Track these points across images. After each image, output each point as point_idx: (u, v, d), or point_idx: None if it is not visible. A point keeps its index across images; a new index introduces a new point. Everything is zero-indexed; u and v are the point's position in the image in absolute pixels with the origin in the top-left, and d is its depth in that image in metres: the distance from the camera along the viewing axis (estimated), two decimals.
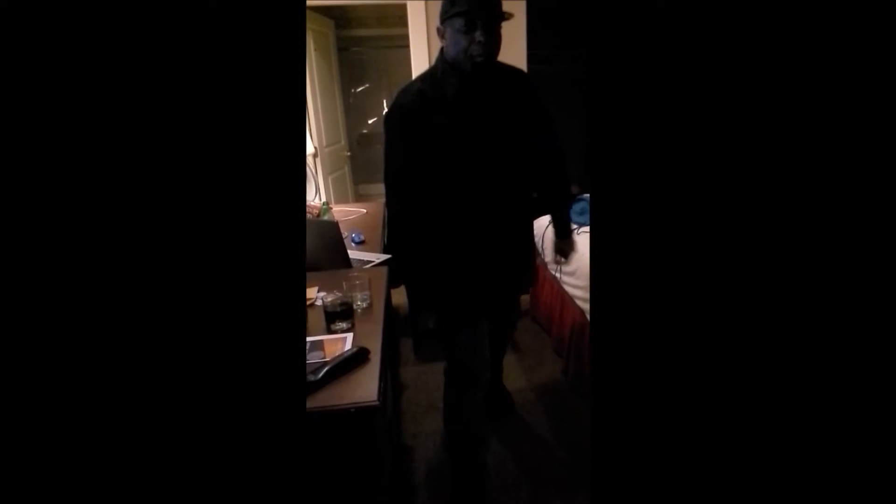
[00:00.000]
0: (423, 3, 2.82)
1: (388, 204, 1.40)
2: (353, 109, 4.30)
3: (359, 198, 3.93)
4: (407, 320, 2.53)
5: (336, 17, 3.50)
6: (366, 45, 4.24)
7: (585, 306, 2.02)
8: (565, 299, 2.22)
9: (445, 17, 1.22)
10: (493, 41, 1.21)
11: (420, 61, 2.91)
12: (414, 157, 1.27)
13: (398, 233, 1.42)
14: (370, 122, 4.54)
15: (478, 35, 1.17)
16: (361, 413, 0.93)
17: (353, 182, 3.93)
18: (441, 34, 1.27)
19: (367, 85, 4.37)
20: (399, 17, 3.39)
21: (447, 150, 1.25)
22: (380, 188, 4.77)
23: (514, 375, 2.23)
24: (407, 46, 2.97)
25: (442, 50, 1.29)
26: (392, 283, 1.52)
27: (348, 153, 3.72)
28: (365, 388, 0.98)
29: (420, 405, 2.06)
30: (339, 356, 1.03)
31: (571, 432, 1.87)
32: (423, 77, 1.31)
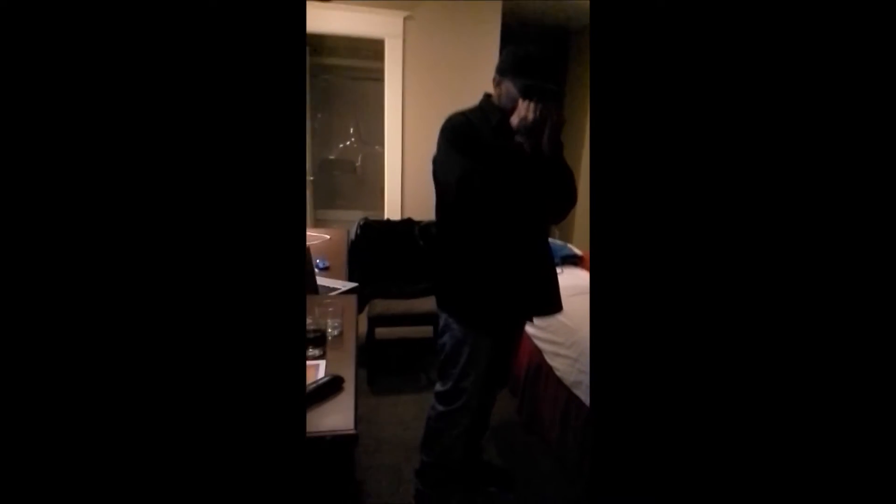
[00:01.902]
0: (400, 40, 2.91)
1: (451, 216, 1.38)
2: (317, 135, 4.30)
3: (317, 223, 3.89)
4: (363, 350, 2.50)
5: (311, 44, 3.54)
6: (336, 73, 4.29)
7: (542, 346, 2.08)
8: (523, 339, 2.27)
9: (509, 74, 1.28)
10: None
11: (394, 95, 2.98)
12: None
13: (458, 247, 1.38)
14: (342, 145, 4.56)
15: (533, 108, 1.19)
16: (338, 441, 0.92)
17: (314, 206, 3.90)
18: (497, 83, 1.32)
19: (327, 114, 4.41)
20: (373, 50, 3.47)
21: (494, 167, 1.26)
22: (337, 214, 4.68)
23: None
24: (377, 79, 3.03)
25: (489, 94, 1.37)
26: (444, 304, 1.45)
27: (311, 178, 3.70)
28: (340, 415, 0.97)
29: (373, 438, 2.02)
30: (313, 383, 1.02)
31: (526, 470, 1.89)
32: (467, 111, 1.37)
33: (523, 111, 1.18)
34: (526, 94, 1.19)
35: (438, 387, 1.49)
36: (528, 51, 1.28)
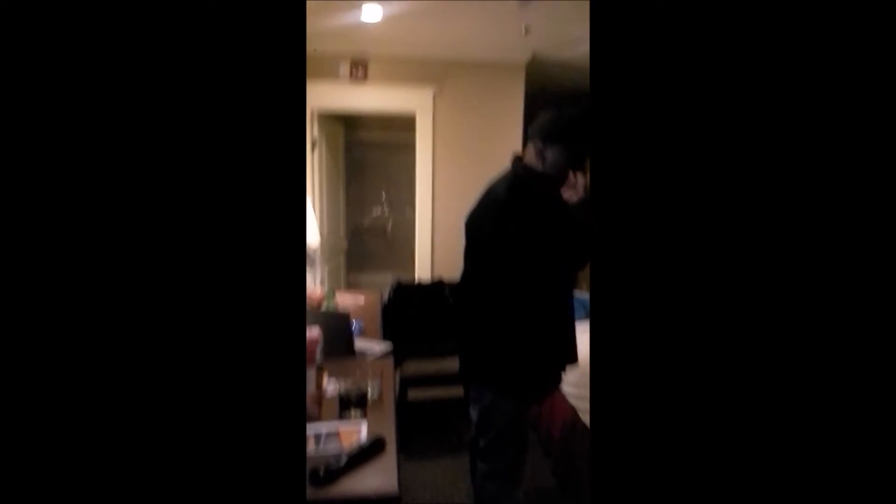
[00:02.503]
0: (430, 113, 3.11)
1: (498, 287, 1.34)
2: (350, 203, 4.51)
3: (349, 285, 4.00)
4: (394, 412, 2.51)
5: (345, 119, 3.79)
6: (368, 147, 4.56)
7: (578, 403, 2.07)
8: (556, 396, 2.25)
9: (555, 141, 1.29)
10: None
11: (424, 163, 3.15)
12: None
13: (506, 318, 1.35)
14: (374, 212, 4.78)
15: (580, 178, 1.26)
16: (382, 502, 0.96)
17: (347, 270, 4.03)
18: (539, 151, 1.31)
19: (361, 184, 4.65)
20: (403, 122, 3.70)
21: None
22: (369, 276, 4.78)
23: None
24: (406, 147, 3.20)
25: (519, 157, 1.38)
26: (473, 375, 1.43)
27: (345, 245, 3.86)
28: (384, 477, 1.01)
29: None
30: (357, 445, 1.07)
31: None
32: (508, 180, 1.36)
33: (576, 183, 1.25)
34: (579, 165, 1.24)
35: (487, 467, 1.44)
36: (570, 115, 1.29)
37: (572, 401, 2.11)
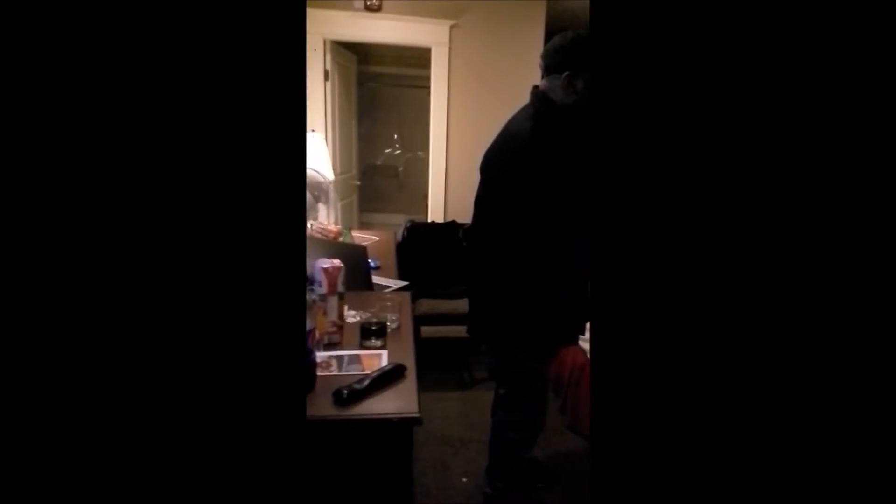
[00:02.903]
0: (446, 48, 2.99)
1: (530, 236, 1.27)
2: (362, 141, 4.44)
3: (362, 225, 4.01)
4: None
5: (357, 52, 3.67)
6: (380, 81, 4.43)
7: (586, 346, 2.10)
8: None
9: (585, 68, 1.19)
10: None
11: (439, 101, 3.06)
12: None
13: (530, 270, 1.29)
14: (386, 151, 4.70)
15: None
16: (403, 423, 0.99)
17: (359, 210, 4.02)
18: (567, 81, 1.21)
19: (373, 121, 4.55)
20: (418, 58, 3.57)
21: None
22: (381, 217, 4.81)
23: None
24: (421, 87, 3.12)
25: (540, 91, 1.27)
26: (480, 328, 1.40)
27: (358, 182, 3.83)
28: (405, 400, 1.04)
29: (420, 433, 2.08)
30: (379, 370, 1.09)
31: (569, 469, 1.91)
32: (523, 120, 1.28)
33: None
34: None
35: (505, 416, 1.46)
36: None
37: (581, 343, 2.14)
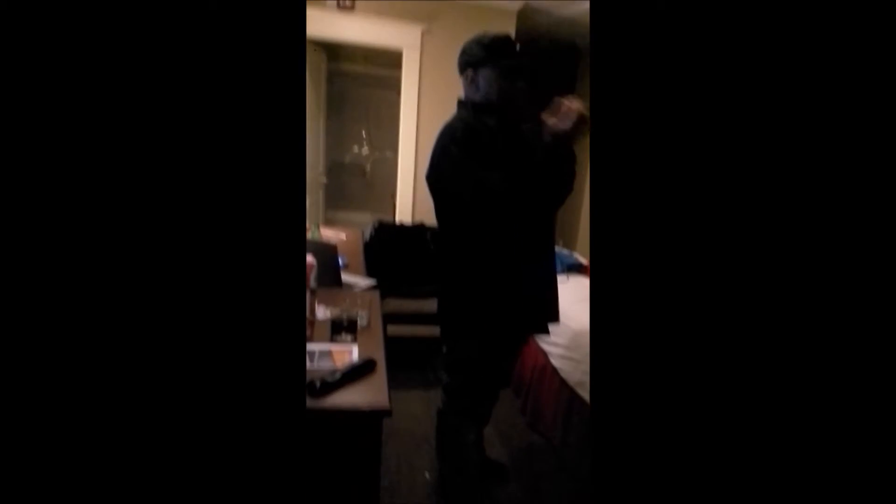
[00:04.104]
0: (418, 51, 3.03)
1: (458, 226, 1.32)
2: (331, 138, 4.42)
3: (327, 221, 3.99)
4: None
5: (328, 49, 3.66)
6: (350, 79, 4.42)
7: (548, 348, 2.18)
8: (529, 340, 2.36)
9: (485, 63, 1.27)
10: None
11: (409, 103, 3.09)
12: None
13: (466, 258, 1.33)
14: (354, 150, 4.69)
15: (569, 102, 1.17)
16: (374, 415, 1.03)
17: (325, 207, 4.00)
18: (471, 78, 1.31)
19: (341, 119, 4.54)
20: (388, 58, 3.59)
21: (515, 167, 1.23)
22: (347, 215, 4.74)
23: None
24: (390, 87, 3.12)
25: (463, 100, 1.37)
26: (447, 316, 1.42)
27: (324, 180, 3.81)
28: (376, 393, 1.07)
29: (384, 429, 2.11)
30: (350, 364, 1.12)
31: (528, 468, 1.98)
32: (456, 120, 1.34)
33: (565, 108, 1.12)
34: (513, 81, 1.22)
35: (451, 403, 1.49)
36: (494, 36, 1.28)
37: (543, 345, 2.21)
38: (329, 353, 1.21)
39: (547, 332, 1.49)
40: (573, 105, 1.12)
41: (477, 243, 1.29)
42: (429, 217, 3.08)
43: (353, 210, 4.66)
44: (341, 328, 1.28)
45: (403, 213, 3.22)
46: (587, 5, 0.62)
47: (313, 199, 3.52)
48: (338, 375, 1.06)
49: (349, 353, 1.22)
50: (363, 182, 4.79)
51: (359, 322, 1.40)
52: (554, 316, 1.47)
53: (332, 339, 1.29)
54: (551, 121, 1.15)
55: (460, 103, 1.39)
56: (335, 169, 4.58)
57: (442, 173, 1.27)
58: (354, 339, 1.30)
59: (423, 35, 3.02)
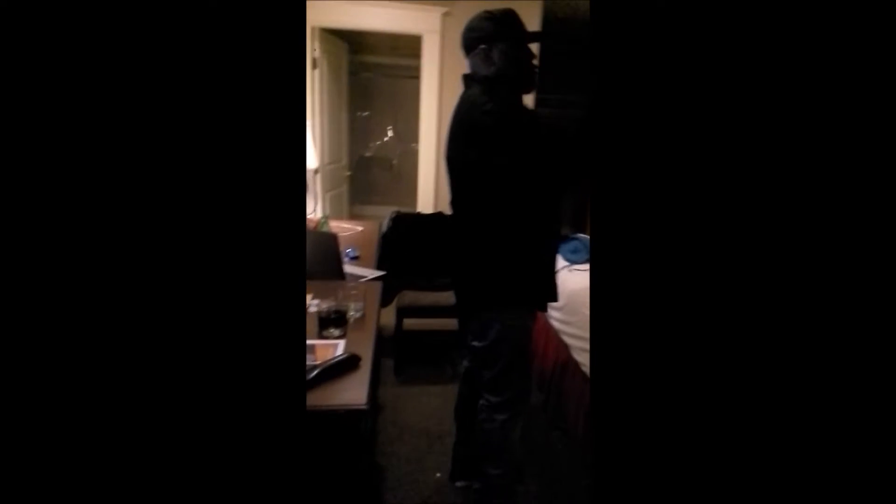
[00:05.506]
0: (438, 36, 2.93)
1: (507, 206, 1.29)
2: (356, 132, 4.38)
3: (353, 216, 3.96)
4: (390, 340, 2.52)
5: (350, 41, 3.61)
6: (375, 71, 4.37)
7: (570, 342, 2.05)
8: (550, 334, 2.24)
9: (501, 36, 1.26)
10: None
11: (430, 90, 3.00)
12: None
13: (508, 235, 1.32)
14: (375, 144, 4.63)
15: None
16: (349, 415, 0.94)
17: (350, 201, 3.97)
18: (486, 53, 1.27)
19: (368, 112, 4.49)
20: (411, 48, 3.51)
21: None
22: (373, 210, 4.76)
23: None
24: (415, 77, 3.06)
25: (474, 75, 1.32)
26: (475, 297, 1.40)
27: (348, 173, 3.77)
28: (354, 392, 0.99)
29: (396, 426, 2.04)
30: (329, 360, 1.05)
31: (549, 464, 1.87)
32: (487, 98, 1.29)
33: None
34: (529, 54, 1.24)
35: (495, 398, 1.41)
36: (502, 11, 1.28)
37: (566, 338, 2.09)
38: (312, 349, 1.13)
39: (545, 309, 1.47)
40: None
41: (519, 216, 1.28)
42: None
43: (380, 204, 4.62)
44: (328, 322, 1.21)
45: (425, 203, 3.14)
46: None
47: (336, 194, 3.49)
48: (312, 374, 0.98)
49: (334, 348, 1.15)
50: (390, 176, 4.74)
51: (352, 315, 1.32)
52: (554, 295, 1.42)
53: (320, 334, 1.21)
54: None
55: (471, 79, 1.34)
56: (362, 163, 4.56)
57: (507, 136, 1.22)
58: (343, 334, 1.22)
59: (443, 19, 2.92)
